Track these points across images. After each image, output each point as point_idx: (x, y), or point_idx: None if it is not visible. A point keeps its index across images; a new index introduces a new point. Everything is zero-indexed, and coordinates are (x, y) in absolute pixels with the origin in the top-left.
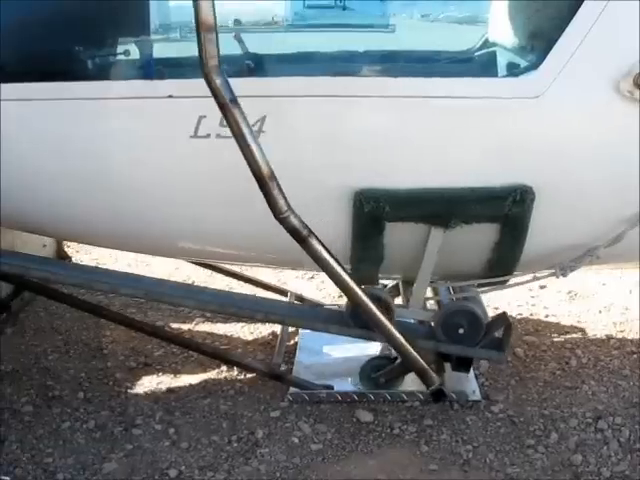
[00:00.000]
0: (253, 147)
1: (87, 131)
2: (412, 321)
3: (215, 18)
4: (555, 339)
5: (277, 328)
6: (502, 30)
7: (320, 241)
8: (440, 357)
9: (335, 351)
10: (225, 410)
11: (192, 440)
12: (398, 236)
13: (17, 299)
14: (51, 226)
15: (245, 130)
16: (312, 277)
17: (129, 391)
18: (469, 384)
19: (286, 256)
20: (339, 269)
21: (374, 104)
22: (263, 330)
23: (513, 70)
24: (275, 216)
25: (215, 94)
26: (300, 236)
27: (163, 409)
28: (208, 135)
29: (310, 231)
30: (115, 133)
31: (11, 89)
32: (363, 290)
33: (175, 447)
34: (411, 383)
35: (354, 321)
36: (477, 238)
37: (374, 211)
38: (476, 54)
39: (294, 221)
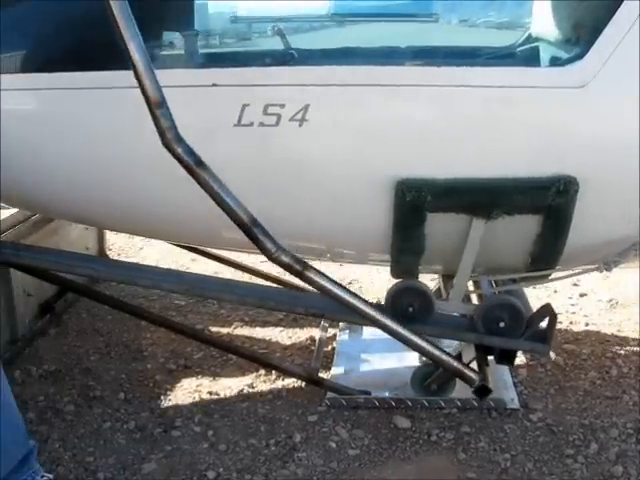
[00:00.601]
0: (230, 202)
1: (132, 119)
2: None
3: (161, 93)
4: (595, 348)
5: (315, 333)
6: (545, 24)
7: (318, 271)
8: (483, 351)
9: (373, 357)
10: (263, 413)
11: (230, 443)
12: (439, 227)
13: (60, 301)
14: (91, 214)
15: (218, 188)
16: None
17: (169, 393)
18: (507, 392)
19: (321, 246)
20: (344, 294)
21: (417, 93)
22: (301, 335)
23: (557, 62)
24: (267, 258)
25: (180, 160)
26: (296, 271)
27: (202, 411)
28: (251, 123)
29: (305, 264)
30: None
31: (59, 78)
32: (372, 305)
33: (213, 449)
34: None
35: (394, 314)
36: (519, 230)
37: (415, 201)
38: (519, 49)
39: (285, 259)
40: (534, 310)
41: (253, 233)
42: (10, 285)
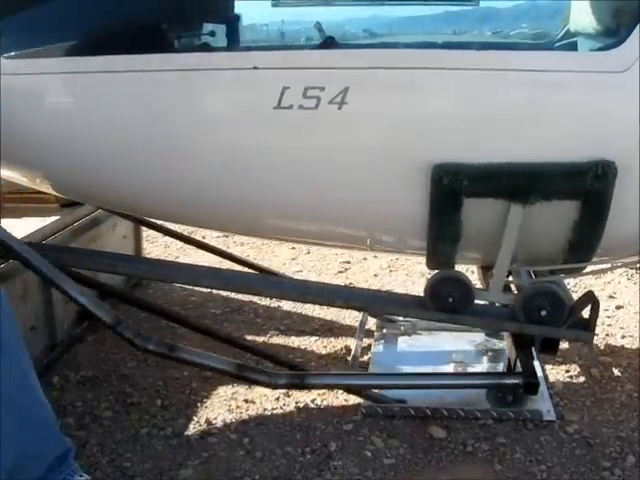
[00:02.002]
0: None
1: (173, 102)
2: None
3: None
4: (632, 360)
5: (350, 342)
6: (584, 18)
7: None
8: (525, 345)
9: (407, 367)
10: (299, 422)
11: (266, 450)
12: (476, 213)
13: None
14: (128, 201)
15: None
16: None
17: (205, 400)
18: (544, 403)
19: (359, 234)
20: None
21: (455, 77)
22: (336, 344)
23: (597, 48)
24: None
25: (156, 354)
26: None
27: (238, 419)
28: (291, 106)
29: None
30: (202, 104)
31: (101, 61)
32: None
33: (249, 456)
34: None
35: (435, 305)
36: (557, 216)
37: (452, 185)
38: (557, 44)
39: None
40: (575, 299)
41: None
42: (49, 291)
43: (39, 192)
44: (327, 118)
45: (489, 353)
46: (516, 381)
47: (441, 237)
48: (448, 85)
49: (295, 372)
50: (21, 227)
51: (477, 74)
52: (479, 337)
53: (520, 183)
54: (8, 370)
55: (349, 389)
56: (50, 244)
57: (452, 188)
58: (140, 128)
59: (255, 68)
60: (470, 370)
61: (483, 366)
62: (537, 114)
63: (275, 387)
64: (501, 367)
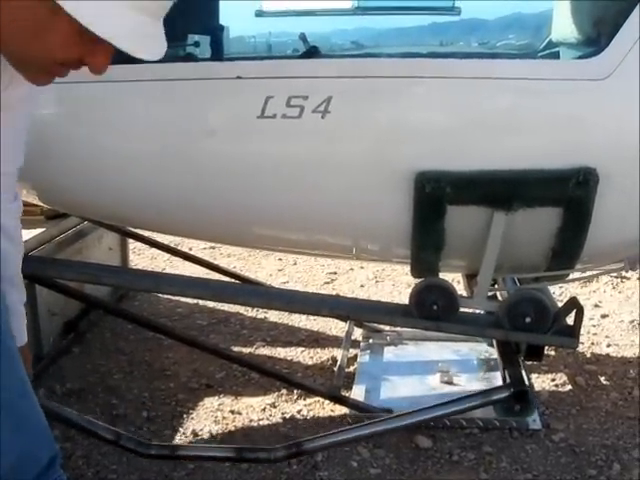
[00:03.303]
0: None
1: (158, 111)
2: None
3: None
4: (617, 369)
5: (336, 353)
6: (565, 27)
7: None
8: (511, 353)
9: (394, 377)
10: (285, 432)
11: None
12: (460, 221)
13: (84, 320)
14: (114, 211)
15: None
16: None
17: (191, 412)
18: None
19: (344, 242)
20: None
21: (438, 85)
22: (322, 355)
23: (578, 56)
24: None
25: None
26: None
27: (224, 430)
28: (274, 115)
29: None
30: (185, 113)
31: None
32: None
33: (236, 467)
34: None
35: (419, 312)
36: (540, 223)
37: (435, 192)
38: (540, 54)
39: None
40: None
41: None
42: (35, 304)
43: (25, 204)
44: (311, 127)
45: (476, 362)
46: (505, 394)
47: (425, 245)
48: (431, 93)
49: (291, 442)
50: None
51: (459, 82)
52: (465, 346)
53: (502, 190)
54: (8, 376)
55: (346, 442)
56: (36, 256)
57: (435, 195)
58: (125, 138)
59: (239, 78)
60: (456, 380)
61: (469, 375)
62: (519, 121)
63: (275, 461)
64: (491, 375)
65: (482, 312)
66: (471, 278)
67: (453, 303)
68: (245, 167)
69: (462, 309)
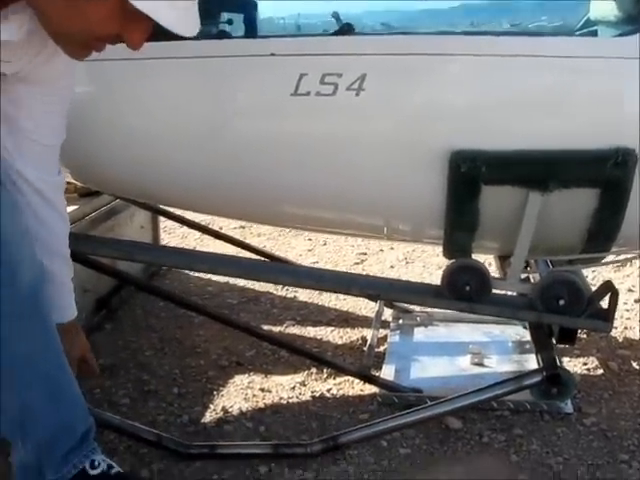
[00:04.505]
0: None
1: (190, 89)
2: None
3: None
4: None
5: (366, 333)
6: (604, 5)
7: None
8: (544, 336)
9: (424, 358)
10: (314, 411)
11: (282, 438)
12: (495, 201)
13: (116, 297)
14: (147, 189)
15: None
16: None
17: (221, 389)
18: None
19: (376, 222)
20: None
21: (474, 62)
22: (352, 335)
23: (617, 34)
24: None
25: None
26: None
27: (254, 407)
28: (308, 93)
29: None
30: (218, 91)
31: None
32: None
33: None
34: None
35: (452, 293)
36: (576, 205)
37: (470, 172)
38: (577, 32)
39: None
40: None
41: None
42: None
43: None
44: (344, 105)
45: (507, 344)
46: (538, 378)
47: (458, 225)
48: (467, 71)
49: (327, 436)
50: None
51: (496, 60)
52: (496, 328)
53: (539, 170)
54: (47, 349)
55: (382, 433)
56: (70, 232)
57: (470, 175)
58: (157, 115)
59: (272, 55)
60: (487, 361)
61: (500, 357)
62: (556, 100)
63: (312, 455)
64: (522, 358)
65: (514, 294)
66: (504, 260)
67: (486, 284)
68: (278, 145)
69: (494, 291)
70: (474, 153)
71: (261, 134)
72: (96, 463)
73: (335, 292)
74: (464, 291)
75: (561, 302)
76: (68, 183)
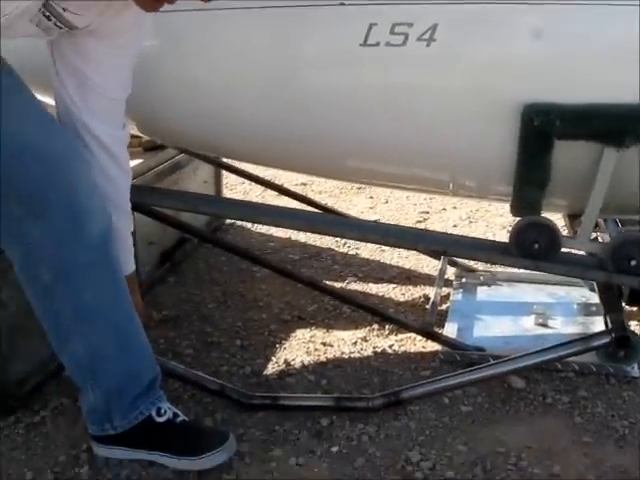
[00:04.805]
0: None
1: (256, 40)
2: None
3: None
4: None
5: (429, 291)
6: None
7: None
8: (613, 298)
9: (487, 317)
10: (376, 366)
11: (344, 392)
12: (568, 157)
13: (180, 250)
14: (212, 141)
15: None
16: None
17: (283, 342)
18: None
19: (442, 176)
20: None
21: (549, 12)
22: (414, 293)
23: None
24: None
25: None
26: None
27: (316, 361)
28: (378, 43)
29: None
30: (285, 41)
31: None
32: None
33: None
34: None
35: (519, 251)
36: None
37: (544, 126)
38: None
39: None
40: None
41: None
42: (134, 233)
43: None
44: (415, 55)
45: (573, 306)
46: (606, 340)
47: (529, 181)
48: (542, 21)
49: (389, 391)
50: None
51: (572, 9)
52: (561, 290)
53: (615, 125)
54: (115, 299)
55: (445, 389)
56: (135, 184)
57: (543, 129)
58: (222, 67)
59: (342, 4)
60: (551, 323)
61: (565, 319)
62: (634, 52)
63: (374, 409)
64: (587, 320)
65: (583, 254)
66: (574, 218)
67: (555, 242)
68: (345, 96)
69: (563, 250)
70: (548, 106)
71: (329, 85)
72: (162, 411)
73: (400, 247)
74: (533, 249)
75: (632, 263)
76: (133, 137)
